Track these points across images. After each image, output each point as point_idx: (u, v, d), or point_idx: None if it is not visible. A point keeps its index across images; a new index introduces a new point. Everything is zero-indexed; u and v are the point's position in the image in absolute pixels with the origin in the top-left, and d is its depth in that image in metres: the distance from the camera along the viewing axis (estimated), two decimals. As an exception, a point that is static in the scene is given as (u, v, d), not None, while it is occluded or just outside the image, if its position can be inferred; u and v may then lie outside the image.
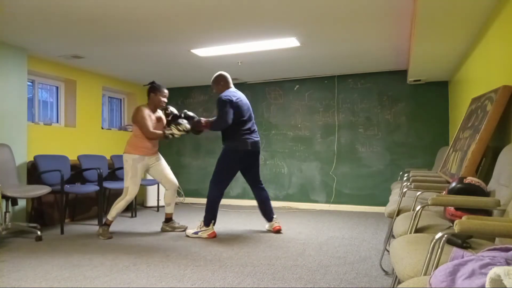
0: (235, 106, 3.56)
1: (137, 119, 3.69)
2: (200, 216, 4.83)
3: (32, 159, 4.15)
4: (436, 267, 1.14)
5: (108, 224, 3.68)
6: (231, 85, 3.81)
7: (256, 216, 4.82)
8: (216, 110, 3.62)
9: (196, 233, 3.65)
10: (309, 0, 2.79)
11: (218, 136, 6.24)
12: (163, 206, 5.56)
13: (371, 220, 4.57)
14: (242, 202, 5.95)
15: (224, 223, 4.36)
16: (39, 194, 3.62)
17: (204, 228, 3.64)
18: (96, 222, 4.39)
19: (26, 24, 3.32)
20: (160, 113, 3.90)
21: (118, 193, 5.20)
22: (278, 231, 3.83)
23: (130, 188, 3.66)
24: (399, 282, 1.28)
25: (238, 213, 5.09)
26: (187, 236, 3.68)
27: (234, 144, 3.61)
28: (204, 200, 6.10)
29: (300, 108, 5.67)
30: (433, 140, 4.98)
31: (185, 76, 5.56)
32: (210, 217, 3.64)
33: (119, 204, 3.64)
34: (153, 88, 3.78)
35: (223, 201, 6.00)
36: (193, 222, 4.42)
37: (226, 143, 3.68)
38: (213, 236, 3.64)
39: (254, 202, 5.82)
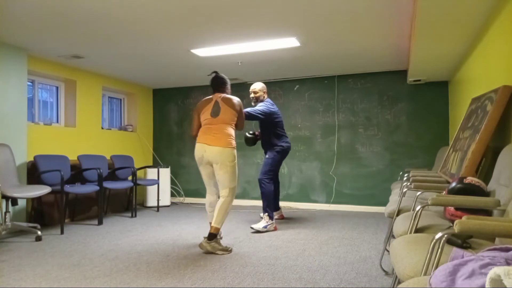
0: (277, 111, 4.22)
1: (241, 108, 3.28)
2: (201, 216, 4.84)
3: (32, 159, 4.15)
4: (436, 267, 1.14)
5: (215, 234, 3.07)
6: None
7: (256, 216, 4.82)
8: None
9: (265, 227, 3.91)
10: (309, 0, 2.79)
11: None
12: (163, 206, 5.63)
13: (371, 220, 4.57)
14: (242, 202, 5.95)
15: (224, 223, 4.35)
16: (39, 194, 3.62)
17: (271, 221, 3.97)
18: (96, 222, 4.39)
19: (26, 24, 3.32)
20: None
21: (118, 193, 5.24)
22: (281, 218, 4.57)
23: (236, 186, 3.23)
24: (399, 282, 1.28)
25: (238, 213, 5.09)
26: (258, 231, 3.83)
27: (285, 145, 4.18)
28: (204, 200, 6.10)
29: (300, 108, 5.67)
30: (433, 140, 4.98)
31: (185, 76, 5.56)
32: (272, 210, 4.05)
33: (229, 207, 3.14)
34: (225, 80, 3.42)
35: (223, 201, 6.02)
36: (193, 222, 4.43)
37: (278, 143, 4.15)
38: (276, 229, 4.00)
39: (254, 202, 5.86)
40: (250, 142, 4.33)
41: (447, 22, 2.67)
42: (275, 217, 4.46)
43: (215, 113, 3.21)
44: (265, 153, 4.25)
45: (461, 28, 2.82)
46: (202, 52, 4.19)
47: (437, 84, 5.00)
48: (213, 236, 3.03)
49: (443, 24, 2.71)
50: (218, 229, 3.07)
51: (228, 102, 3.24)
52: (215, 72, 3.43)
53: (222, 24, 3.32)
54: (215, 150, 3.10)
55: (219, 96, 3.30)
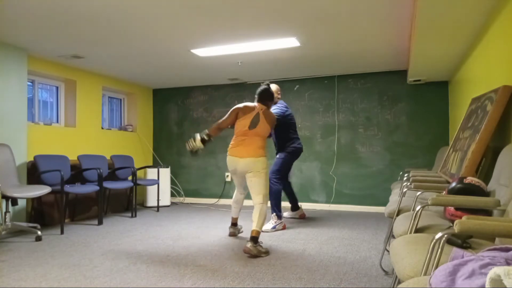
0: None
1: (274, 122, 3.45)
2: (201, 216, 4.84)
3: (32, 159, 4.15)
4: (436, 267, 1.14)
5: (257, 238, 3.11)
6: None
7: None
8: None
9: (274, 227, 3.95)
10: (309, 0, 2.79)
11: (218, 136, 6.25)
12: (163, 206, 5.63)
13: (371, 220, 4.57)
14: (244, 202, 5.93)
15: (224, 223, 4.36)
16: (39, 194, 3.62)
17: (279, 221, 4.01)
18: (96, 222, 4.39)
19: (26, 24, 3.32)
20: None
21: (118, 193, 5.24)
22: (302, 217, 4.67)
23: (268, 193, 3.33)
24: (399, 282, 1.28)
25: (239, 214, 5.07)
26: (265, 231, 3.86)
27: (297, 146, 4.25)
28: (204, 200, 6.17)
29: (300, 108, 5.67)
30: (433, 140, 4.98)
31: (185, 76, 5.56)
32: (280, 209, 4.08)
33: (266, 212, 3.24)
34: (273, 95, 3.50)
35: (224, 201, 6.04)
36: (193, 222, 4.43)
37: (290, 145, 4.20)
38: (285, 227, 4.05)
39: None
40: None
41: (447, 22, 2.67)
42: (296, 216, 4.63)
43: (253, 125, 3.30)
44: (277, 153, 4.29)
45: (461, 28, 2.82)
46: (202, 52, 4.19)
47: (437, 84, 5.00)
48: (256, 239, 3.08)
49: (443, 24, 2.71)
50: (259, 233, 3.14)
51: (268, 117, 3.36)
52: (268, 84, 3.50)
53: (222, 24, 3.32)
54: (248, 161, 3.25)
55: (261, 108, 3.37)
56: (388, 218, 2.58)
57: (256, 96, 3.44)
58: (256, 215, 3.19)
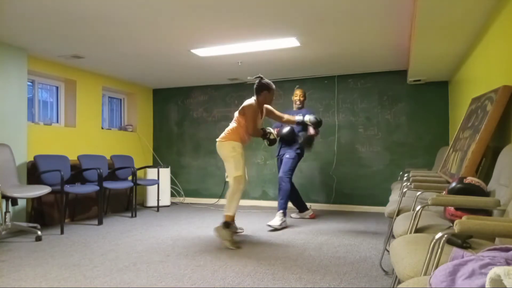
0: None
1: (249, 112, 3.52)
2: (201, 216, 4.84)
3: (32, 159, 4.15)
4: (436, 267, 1.14)
5: (228, 222, 3.34)
6: None
7: (256, 216, 4.82)
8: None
9: (280, 224, 4.04)
10: (309, 0, 2.79)
11: (218, 136, 6.26)
12: (163, 206, 5.63)
13: (371, 220, 4.57)
14: (242, 202, 5.91)
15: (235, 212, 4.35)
16: (39, 194, 3.63)
17: (284, 218, 4.12)
18: (96, 222, 4.39)
19: (26, 24, 3.32)
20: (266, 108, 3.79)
21: (118, 193, 5.24)
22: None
23: (243, 176, 3.48)
24: (399, 282, 1.28)
25: (238, 213, 5.06)
26: (275, 229, 3.96)
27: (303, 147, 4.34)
28: (204, 200, 6.16)
29: (300, 108, 5.66)
30: (433, 140, 4.98)
31: (185, 76, 5.56)
32: (286, 207, 4.21)
33: (237, 195, 3.42)
34: (266, 86, 3.57)
35: (223, 201, 6.01)
36: (193, 222, 4.43)
37: (298, 144, 4.27)
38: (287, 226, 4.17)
39: (254, 202, 5.86)
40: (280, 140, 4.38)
41: (447, 22, 2.67)
42: (306, 217, 4.67)
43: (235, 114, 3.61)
44: (280, 150, 4.42)
45: (461, 28, 2.82)
46: (202, 52, 4.19)
47: (437, 84, 5.00)
48: (226, 224, 3.29)
49: (443, 24, 2.71)
50: (229, 217, 3.32)
51: (241, 108, 3.54)
52: (259, 76, 3.61)
53: (222, 24, 3.32)
54: (219, 145, 3.55)
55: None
56: (388, 218, 2.58)
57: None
58: (227, 198, 3.44)
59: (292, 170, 4.31)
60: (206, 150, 6.22)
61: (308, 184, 5.59)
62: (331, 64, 4.81)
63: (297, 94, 4.51)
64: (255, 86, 3.59)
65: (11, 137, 3.92)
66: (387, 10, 2.98)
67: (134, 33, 3.56)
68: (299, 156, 4.37)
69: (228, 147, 3.48)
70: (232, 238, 3.28)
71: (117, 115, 6.19)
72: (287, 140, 4.32)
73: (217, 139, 3.59)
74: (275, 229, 3.96)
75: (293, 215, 4.71)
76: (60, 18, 3.16)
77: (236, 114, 3.59)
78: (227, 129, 3.57)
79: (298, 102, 4.49)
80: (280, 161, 4.46)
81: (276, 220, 4.03)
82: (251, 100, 3.56)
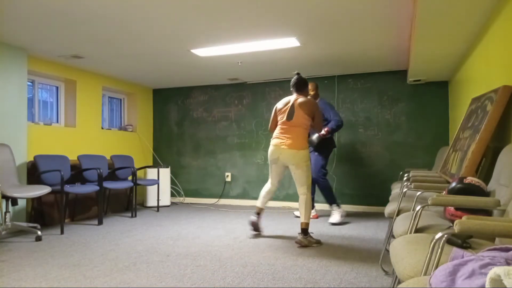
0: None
1: (318, 111, 3.45)
2: (201, 216, 4.84)
3: (32, 159, 4.15)
4: (436, 267, 1.14)
5: (307, 229, 3.34)
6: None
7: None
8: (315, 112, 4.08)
9: (340, 219, 4.26)
10: (309, 0, 2.79)
11: (218, 136, 6.29)
12: (163, 206, 5.63)
13: (371, 220, 4.57)
14: (242, 202, 5.95)
15: (224, 223, 4.36)
16: (39, 194, 3.62)
17: (340, 209, 4.32)
18: (96, 222, 4.39)
19: (26, 24, 3.32)
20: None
21: (118, 193, 5.24)
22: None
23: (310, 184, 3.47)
24: (399, 282, 1.28)
25: (238, 213, 5.09)
26: (335, 224, 4.18)
27: (330, 141, 4.39)
28: (204, 200, 6.16)
29: (300, 108, 5.66)
30: (433, 140, 4.98)
31: (185, 76, 5.56)
32: (335, 200, 4.36)
33: (310, 202, 3.41)
34: (307, 81, 3.58)
35: (223, 201, 6.03)
36: (193, 222, 4.43)
37: (321, 141, 4.27)
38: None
39: (254, 202, 5.85)
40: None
41: (447, 22, 2.67)
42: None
43: (290, 116, 3.45)
44: (315, 151, 4.41)
45: (461, 28, 2.82)
46: (202, 52, 4.19)
47: (437, 84, 5.00)
48: (306, 231, 3.33)
49: (443, 24, 2.71)
50: (307, 224, 3.36)
51: (303, 106, 3.42)
52: (298, 73, 3.58)
53: (222, 24, 3.32)
54: (290, 153, 3.40)
55: (296, 99, 3.48)
56: (388, 218, 2.58)
57: (291, 89, 3.58)
58: (302, 207, 3.40)
59: (324, 166, 4.35)
60: (206, 150, 6.23)
61: (308, 184, 5.59)
62: (331, 64, 4.81)
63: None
64: (295, 81, 3.52)
65: (11, 137, 3.92)
66: (387, 10, 2.98)
67: (134, 33, 3.56)
68: (322, 155, 4.34)
69: (304, 156, 3.39)
70: (315, 240, 3.35)
71: (117, 115, 6.19)
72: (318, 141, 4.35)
73: (282, 146, 3.41)
74: (337, 224, 4.20)
75: (296, 212, 4.78)
76: (60, 18, 3.16)
77: (292, 117, 3.40)
78: (293, 135, 3.39)
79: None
80: None
81: (335, 217, 4.25)
82: (305, 98, 3.46)
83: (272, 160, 3.54)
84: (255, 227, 3.69)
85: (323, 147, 4.34)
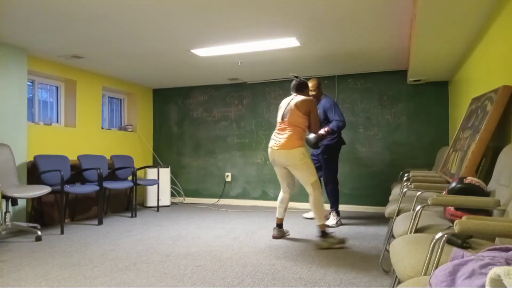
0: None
1: (315, 109, 3.38)
2: (201, 216, 4.84)
3: (32, 159, 4.15)
4: (436, 267, 1.14)
5: (324, 231, 3.29)
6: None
7: (256, 216, 4.82)
8: (321, 112, 4.11)
9: (337, 222, 4.20)
10: (309, 0, 2.79)
11: (218, 136, 6.29)
12: (163, 206, 5.63)
13: (371, 220, 4.57)
14: (242, 202, 5.95)
15: (224, 223, 4.36)
16: (39, 194, 3.62)
17: (338, 217, 4.26)
18: (96, 222, 4.39)
19: (26, 24, 3.32)
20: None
21: (118, 193, 5.24)
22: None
23: (318, 180, 3.36)
24: (399, 282, 1.28)
25: (238, 213, 5.09)
26: (331, 226, 4.08)
27: (338, 140, 4.29)
28: (204, 200, 6.16)
29: (300, 108, 5.66)
30: (433, 140, 4.98)
31: (185, 76, 5.56)
32: (337, 205, 4.27)
33: (321, 201, 3.31)
34: (307, 83, 3.57)
35: (223, 201, 6.03)
36: (193, 222, 4.42)
37: (330, 140, 4.20)
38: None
39: (254, 202, 5.86)
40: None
41: (447, 22, 2.67)
42: (310, 216, 4.64)
43: (285, 115, 3.41)
44: (316, 150, 4.34)
45: (461, 28, 2.82)
46: (202, 52, 4.19)
47: (437, 84, 5.00)
48: (324, 233, 3.27)
49: (443, 24, 2.71)
50: (324, 225, 3.31)
51: (299, 105, 3.34)
52: (296, 76, 3.58)
53: (222, 24, 3.32)
54: (282, 154, 3.31)
55: (292, 99, 3.45)
56: (388, 218, 2.58)
57: (291, 92, 3.57)
58: (312, 209, 3.33)
59: (335, 166, 4.29)
60: (206, 150, 6.22)
61: (308, 184, 5.58)
62: (331, 64, 4.81)
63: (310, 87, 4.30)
64: (295, 84, 3.50)
65: (11, 137, 3.92)
66: (387, 10, 2.98)
67: (134, 33, 3.56)
68: (328, 156, 4.24)
69: (297, 155, 3.25)
70: (337, 240, 3.23)
71: (117, 115, 6.19)
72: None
73: (273, 147, 3.36)
74: (331, 226, 4.12)
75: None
76: (60, 18, 3.16)
77: (287, 117, 3.35)
78: (287, 135, 3.31)
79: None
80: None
81: (331, 220, 4.19)
82: (304, 97, 3.39)
83: (272, 162, 3.49)
84: (280, 237, 3.60)
85: (329, 149, 4.23)
